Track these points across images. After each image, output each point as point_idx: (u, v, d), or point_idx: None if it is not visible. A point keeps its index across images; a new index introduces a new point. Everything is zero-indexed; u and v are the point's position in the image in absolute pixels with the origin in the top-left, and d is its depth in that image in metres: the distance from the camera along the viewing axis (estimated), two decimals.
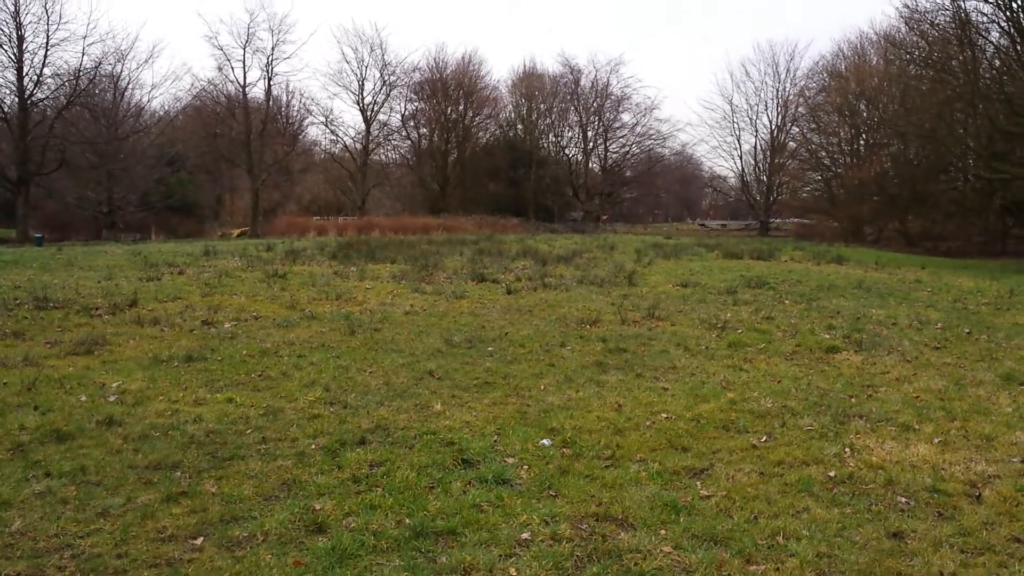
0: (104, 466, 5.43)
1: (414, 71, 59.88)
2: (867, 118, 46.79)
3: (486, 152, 63.45)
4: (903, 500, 5.04)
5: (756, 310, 12.33)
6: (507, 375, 8.26)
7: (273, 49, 52.26)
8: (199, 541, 4.37)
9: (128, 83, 48.90)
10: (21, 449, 5.71)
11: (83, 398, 7.05)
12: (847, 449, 5.99)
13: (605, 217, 63.02)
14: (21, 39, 41.13)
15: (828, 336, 10.38)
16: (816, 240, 37.06)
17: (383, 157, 64.49)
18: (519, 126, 65.04)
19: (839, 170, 48.57)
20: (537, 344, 9.77)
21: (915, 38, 34.58)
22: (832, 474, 5.47)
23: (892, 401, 7.36)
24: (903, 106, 37.76)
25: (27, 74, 41.72)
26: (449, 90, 61.17)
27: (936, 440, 6.22)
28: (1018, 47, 25.98)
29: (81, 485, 5.11)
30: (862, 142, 47.80)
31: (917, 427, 6.57)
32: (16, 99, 42.13)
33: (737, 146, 63.48)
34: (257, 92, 54.90)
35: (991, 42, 28.66)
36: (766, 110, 61.00)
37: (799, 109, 56.80)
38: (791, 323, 11.29)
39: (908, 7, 31.91)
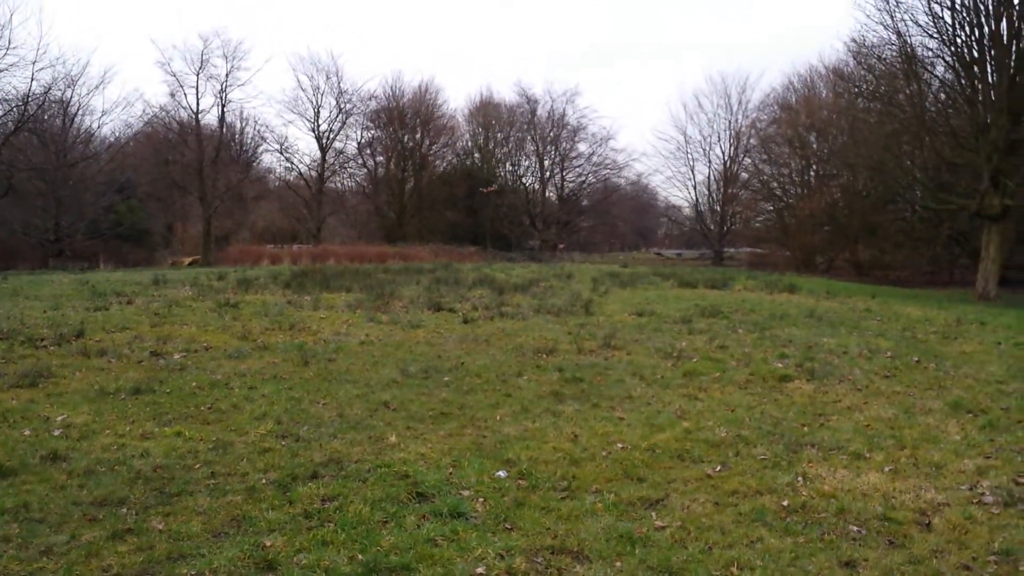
0: (48, 503, 5.26)
1: (370, 99, 59.94)
2: (817, 150, 47.85)
3: (443, 181, 63.54)
4: (855, 529, 5.09)
5: (711, 339, 12.44)
6: (463, 406, 8.21)
7: (227, 76, 51.86)
8: None
9: (78, 109, 48.11)
10: None
11: (27, 432, 6.85)
12: (800, 478, 6.04)
13: (562, 246, 63.33)
14: None
15: (781, 365, 10.50)
16: (769, 269, 37.68)
17: (339, 185, 64.27)
18: (476, 155, 65.33)
19: (791, 200, 49.50)
20: (493, 374, 9.74)
21: (863, 72, 35.45)
22: (785, 503, 5.50)
23: (844, 429, 7.46)
24: (852, 138, 38.61)
25: None
26: (406, 118, 61.26)
27: (887, 468, 6.31)
28: (962, 81, 26.76)
29: (24, 523, 4.95)
30: (813, 173, 48.83)
31: (868, 455, 6.66)
32: None
33: (691, 176, 64.04)
34: (210, 119, 54.36)
35: (936, 76, 29.50)
36: (719, 141, 62.06)
37: (751, 140, 57.98)
38: (745, 352, 11.41)
39: (856, 42, 32.76)
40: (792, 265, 42.11)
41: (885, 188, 38.15)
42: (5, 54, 40.92)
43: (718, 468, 6.27)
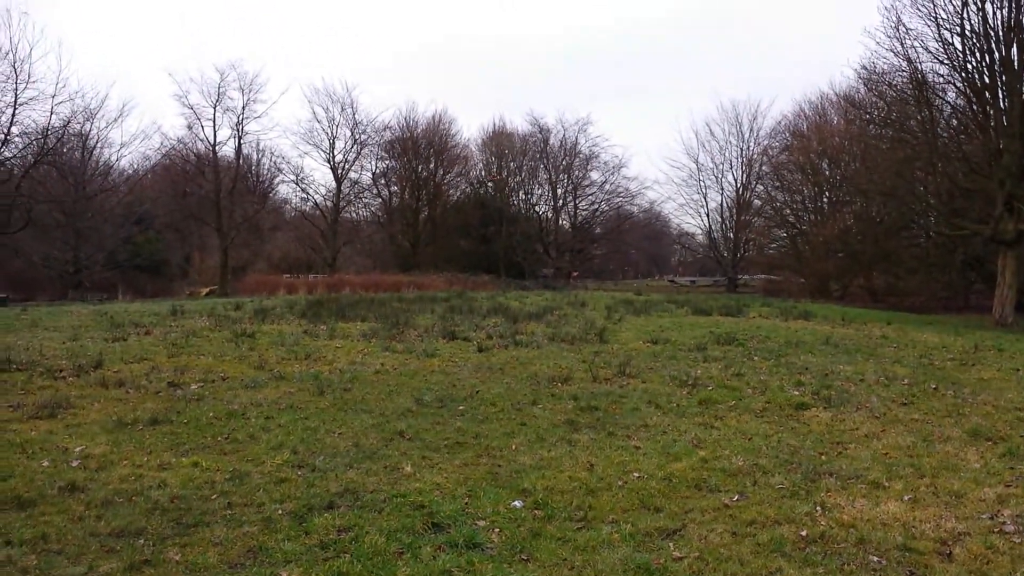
0: (66, 534, 5.29)
1: (385, 130, 60.42)
2: (830, 176, 47.81)
3: (457, 210, 63.86)
4: (875, 559, 5.05)
5: (726, 367, 12.40)
6: (478, 435, 8.21)
7: (244, 108, 52.46)
8: None
9: (97, 142, 48.82)
10: None
11: (45, 463, 6.89)
12: (818, 507, 6.00)
13: (575, 274, 63.37)
14: None
15: (797, 393, 10.45)
16: (783, 296, 37.54)
17: (354, 215, 64.66)
18: (489, 184, 65.64)
19: (804, 227, 49.40)
20: (508, 403, 9.73)
21: (874, 98, 35.50)
22: (804, 533, 5.46)
23: (862, 458, 7.40)
24: (864, 165, 38.60)
25: None
26: (420, 148, 61.71)
27: (906, 497, 6.25)
28: (974, 107, 26.78)
29: (42, 554, 4.98)
30: (826, 200, 48.75)
31: (887, 484, 6.61)
32: None
33: (704, 203, 64.01)
34: (227, 151, 54.94)
35: (948, 102, 29.52)
36: (731, 168, 62.11)
37: (763, 167, 58.01)
38: (761, 380, 11.36)
39: (867, 68, 32.85)
40: (806, 292, 41.92)
41: (899, 214, 38.05)
42: (25, 88, 41.69)
43: (736, 498, 6.23)
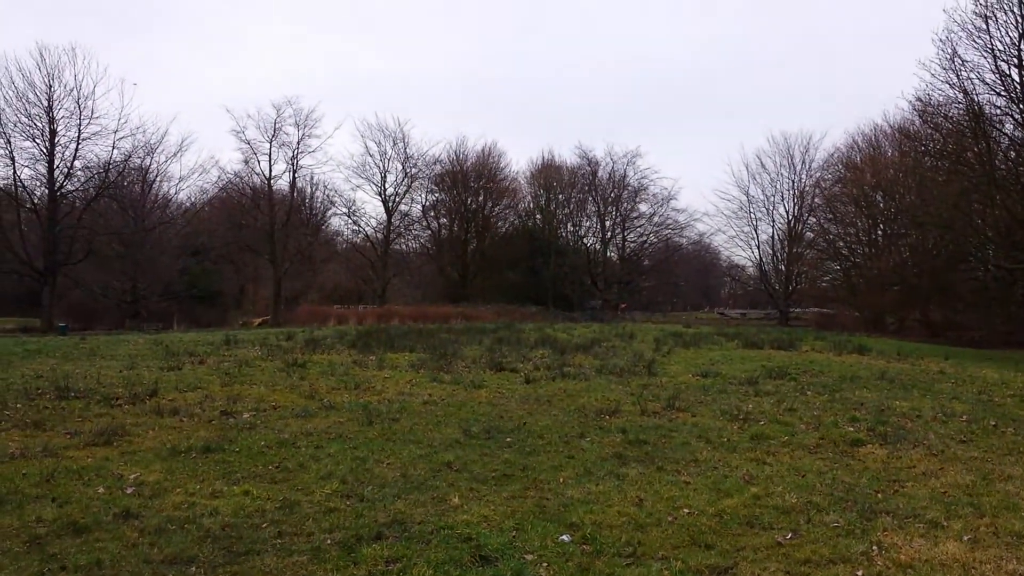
0: (120, 560, 5.37)
1: (435, 163, 61.27)
2: (884, 209, 47.05)
3: (505, 241, 64.26)
4: None
5: (778, 401, 12.19)
6: (526, 467, 8.17)
7: (299, 143, 53.71)
8: None
9: (156, 175, 50.36)
10: (38, 542, 5.68)
11: (101, 490, 7.02)
12: (875, 547, 5.83)
13: (624, 306, 63.07)
14: (53, 133, 42.64)
15: (852, 429, 10.22)
16: (837, 330, 36.80)
17: (404, 246, 65.47)
18: (538, 216, 65.95)
19: (858, 260, 48.61)
20: (556, 435, 9.68)
21: (929, 130, 35.03)
22: (860, 573, 5.32)
23: (919, 496, 7.19)
24: (920, 197, 37.98)
25: (58, 167, 43.17)
26: (469, 181, 62.40)
27: (965, 537, 6.05)
28: None
29: None
30: (880, 232, 47.95)
31: (946, 524, 6.41)
32: (46, 191, 43.44)
33: (754, 236, 63.28)
34: (282, 184, 56.20)
35: (1005, 134, 29.00)
36: (782, 201, 61.45)
37: (815, 200, 57.31)
38: (814, 415, 11.14)
39: (921, 100, 32.49)
40: (861, 325, 41.10)
41: (956, 247, 37.28)
42: (88, 123, 43.35)
43: (789, 535, 6.09)
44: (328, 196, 61.08)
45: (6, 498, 6.67)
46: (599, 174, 64.50)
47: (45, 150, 42.64)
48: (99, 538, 5.80)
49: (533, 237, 63.20)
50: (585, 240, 67.50)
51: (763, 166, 61.64)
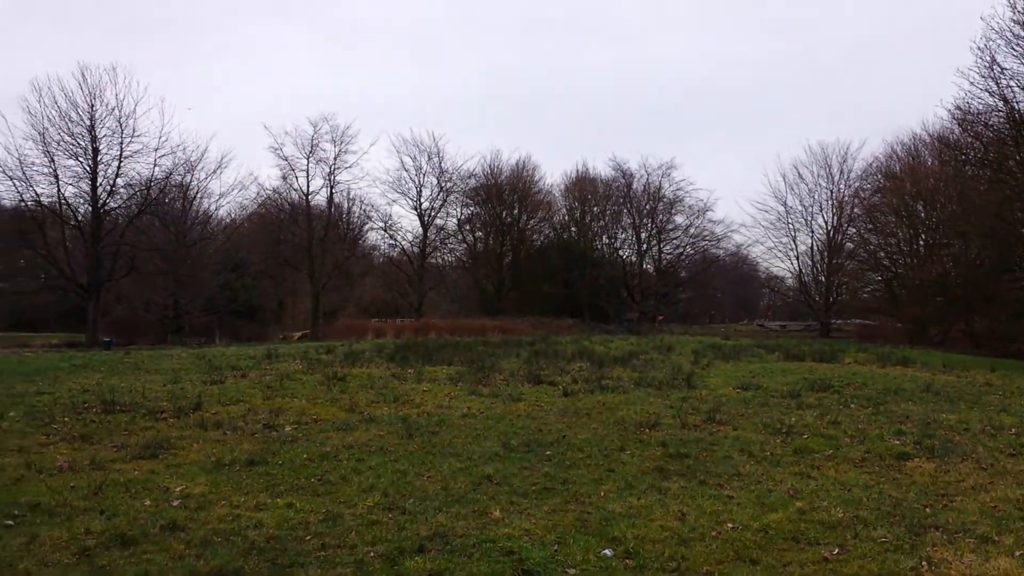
0: (167, 572, 5.45)
1: (470, 177, 61.56)
2: (925, 218, 46.27)
3: (540, 254, 64.33)
4: None
5: (821, 414, 12.02)
6: (566, 480, 8.14)
7: (335, 159, 54.33)
8: None
9: (197, 192, 51.20)
10: (87, 554, 5.78)
11: (147, 502, 7.13)
12: (924, 563, 5.72)
13: (661, 318, 62.69)
14: (96, 152, 43.55)
15: (898, 442, 10.04)
16: (879, 341, 36.21)
17: (439, 260, 65.76)
18: (573, 229, 65.93)
19: (899, 270, 47.83)
20: (596, 448, 9.63)
21: (969, 139, 34.46)
22: None
23: (969, 511, 7.04)
24: (961, 206, 37.30)
25: (101, 184, 44.04)
26: (504, 195, 62.60)
27: (1017, 553, 5.92)
28: None
29: None
30: (922, 242, 47.14)
31: (997, 539, 6.27)
32: (89, 208, 44.36)
33: (793, 247, 62.49)
34: (319, 199, 56.83)
35: None
36: (821, 211, 60.69)
37: (855, 210, 56.51)
38: (859, 428, 10.96)
39: (960, 108, 31.97)
40: (904, 337, 40.37)
41: (1000, 256, 36.52)
42: (130, 142, 44.22)
43: (836, 551, 6.00)
44: (364, 211, 61.69)
45: (55, 510, 6.81)
46: (634, 186, 64.35)
47: (88, 168, 43.59)
48: (146, 550, 5.89)
49: (568, 250, 63.15)
50: (620, 252, 67.32)
51: (800, 176, 61.01)
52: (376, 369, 17.42)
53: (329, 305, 56.03)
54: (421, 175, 59.50)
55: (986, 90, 28.41)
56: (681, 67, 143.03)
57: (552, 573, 5.48)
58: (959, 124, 34.58)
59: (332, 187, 55.52)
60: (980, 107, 29.91)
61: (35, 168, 42.70)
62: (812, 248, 61.68)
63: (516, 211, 63.53)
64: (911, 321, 42.75)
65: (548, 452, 9.41)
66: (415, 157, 59.94)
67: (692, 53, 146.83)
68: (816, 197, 60.73)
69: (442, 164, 59.78)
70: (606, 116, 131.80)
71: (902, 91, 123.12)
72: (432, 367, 17.79)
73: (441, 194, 59.96)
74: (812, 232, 61.21)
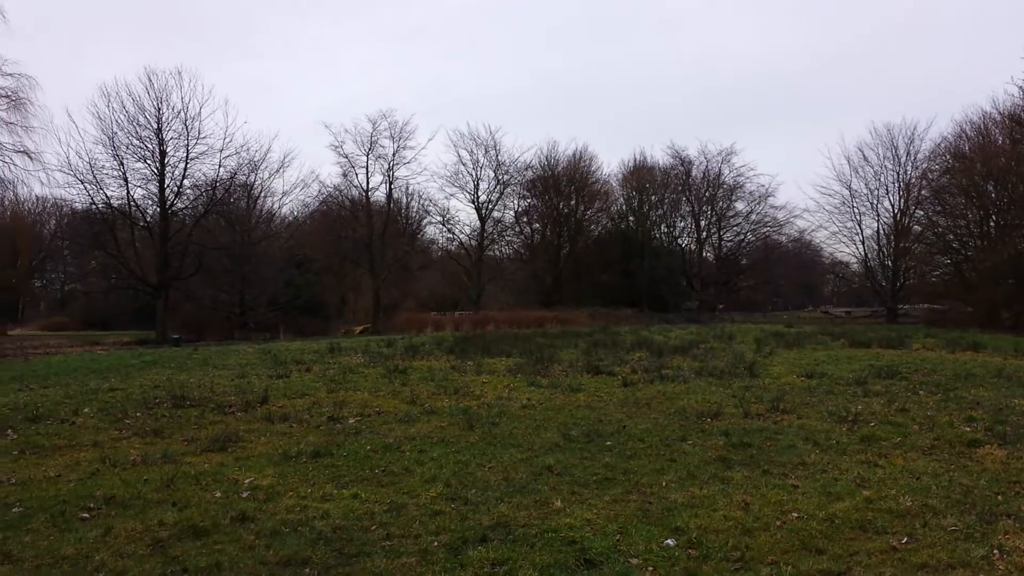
0: (238, 562, 5.59)
1: (527, 169, 61.45)
2: (996, 199, 44.66)
3: (598, 245, 63.98)
4: None
5: (889, 402, 11.76)
6: (627, 470, 8.12)
7: (394, 155, 54.76)
8: None
9: (260, 191, 52.18)
10: (160, 545, 5.97)
11: (218, 494, 7.33)
12: (996, 551, 5.57)
13: (721, 306, 61.90)
14: (163, 154, 44.65)
15: (969, 429, 9.77)
16: (949, 326, 35.21)
17: (497, 252, 65.88)
18: (631, 218, 65.42)
19: (969, 253, 46.32)
20: (656, 438, 9.59)
21: None
22: None
23: None
24: None
25: (168, 186, 45.14)
26: (561, 186, 62.39)
27: None
28: None
29: None
30: (992, 224, 45.55)
31: None
32: (158, 209, 45.55)
33: (858, 231, 60.78)
34: (379, 195, 57.42)
35: None
36: (887, 194, 58.95)
37: (922, 192, 54.81)
38: (927, 415, 10.70)
39: None
40: (974, 321, 39.13)
41: None
42: (196, 143, 45.28)
43: (904, 540, 5.88)
44: (423, 205, 62.12)
45: (129, 503, 7.05)
46: (693, 173, 63.50)
47: (156, 170, 44.72)
48: (217, 540, 6.06)
49: (626, 239, 62.70)
50: (680, 241, 66.59)
51: (865, 159, 59.35)
52: (436, 361, 17.59)
53: (389, 299, 56.65)
54: (478, 168, 59.69)
55: None
56: (739, 52, 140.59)
57: (615, 563, 5.48)
58: None
59: (391, 183, 56.10)
60: None
61: (105, 172, 43.99)
62: (878, 232, 60.01)
63: (573, 202, 63.27)
64: (982, 305, 41.40)
65: (608, 442, 9.41)
66: (472, 151, 60.14)
67: (750, 37, 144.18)
68: (882, 179, 59.09)
69: (499, 157, 59.85)
70: (664, 105, 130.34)
71: (971, 69, 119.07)
72: (491, 359, 17.90)
73: (498, 187, 60.05)
74: (878, 215, 59.56)
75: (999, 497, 6.94)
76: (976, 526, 6.15)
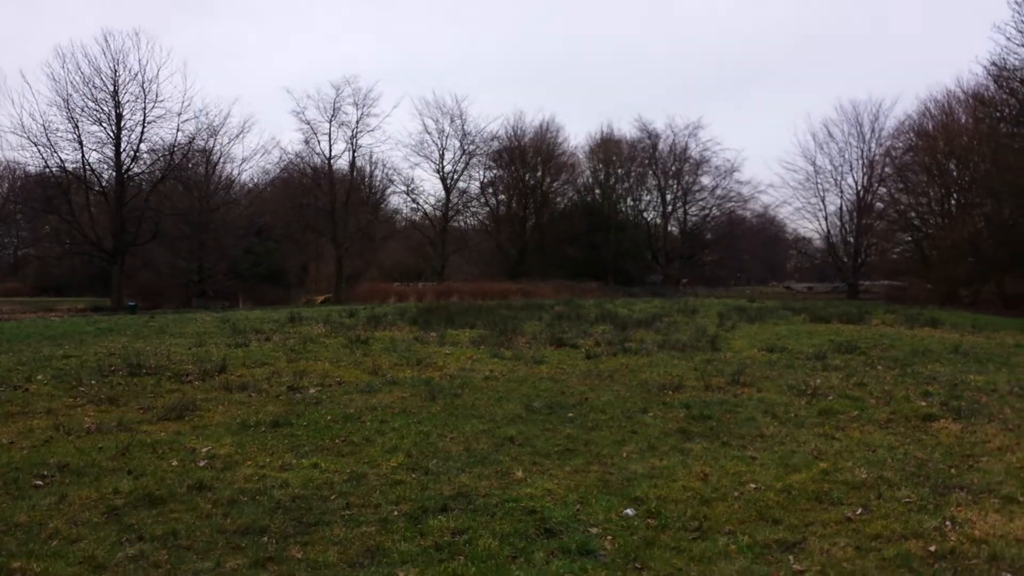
0: (194, 530, 5.52)
1: (493, 140, 61.23)
2: (958, 177, 45.40)
3: (564, 217, 64.07)
4: None
5: (847, 376, 11.93)
6: (588, 442, 8.15)
7: (358, 122, 54.16)
8: None
9: (219, 157, 51.37)
10: (115, 512, 5.87)
11: (174, 463, 7.22)
12: (948, 522, 5.68)
13: (685, 281, 62.41)
14: (119, 117, 43.72)
15: (924, 403, 9.94)
16: (908, 303, 35.86)
17: (462, 224, 65.75)
18: (597, 191, 65.52)
19: (930, 231, 47.11)
20: (618, 410, 9.63)
21: (1005, 96, 33.69)
22: (933, 548, 5.18)
23: (995, 472, 6.97)
24: (995, 165, 36.57)
25: (124, 150, 44.28)
26: (527, 157, 62.25)
27: None
28: None
29: (172, 549, 5.20)
30: (954, 202, 46.33)
31: (1021, 499, 6.20)
32: (113, 173, 44.68)
33: (822, 207, 61.54)
34: (342, 163, 56.86)
35: None
36: (851, 171, 59.68)
37: (886, 169, 55.60)
38: (884, 390, 10.88)
39: (996, 65, 31.26)
40: (934, 298, 39.90)
41: None
42: (153, 107, 44.33)
43: (859, 511, 5.97)
44: (387, 174, 61.72)
45: (84, 471, 6.92)
46: (659, 147, 63.79)
47: (112, 133, 43.80)
48: (174, 509, 5.97)
49: (592, 212, 62.84)
50: (645, 214, 66.96)
51: (831, 135, 59.95)
52: (399, 332, 17.51)
53: (352, 269, 56.26)
54: (444, 138, 59.30)
55: (1022, 45, 27.71)
56: (709, 25, 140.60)
57: (574, 532, 5.49)
58: (994, 80, 33.88)
59: (354, 151, 55.53)
60: (1016, 63, 29.28)
61: (59, 134, 43.03)
62: (841, 208, 60.82)
63: (539, 173, 63.20)
64: (941, 282, 42.23)
65: (570, 414, 9.43)
66: (438, 120, 59.71)
67: (723, 12, 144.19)
68: (847, 156, 59.80)
69: (465, 127, 59.52)
70: (632, 78, 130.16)
71: (937, 47, 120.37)
72: (454, 330, 17.86)
73: (464, 157, 59.76)
74: (841, 192, 60.32)
75: (952, 470, 7.07)
76: (929, 498, 6.25)
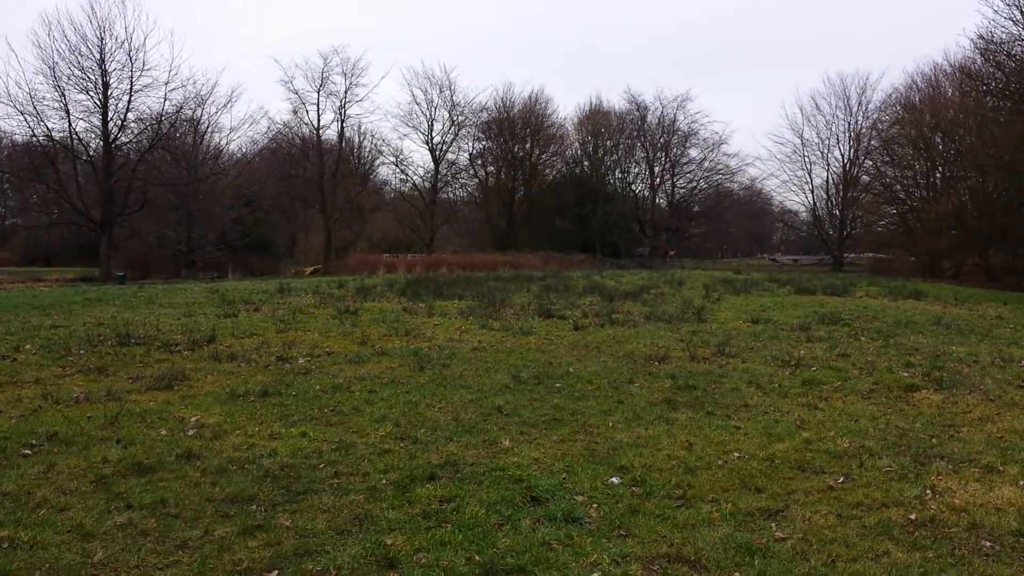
0: (183, 499, 5.56)
1: (482, 111, 60.95)
2: (943, 151, 45.57)
3: (552, 189, 63.97)
4: (988, 544, 4.85)
5: (831, 347, 12.05)
6: (575, 412, 8.23)
7: (346, 92, 53.80)
8: (274, 574, 4.45)
9: (207, 127, 50.85)
10: (104, 481, 5.90)
11: (163, 432, 7.26)
12: (928, 491, 5.79)
13: (672, 253, 62.56)
14: (106, 86, 43.17)
15: (907, 374, 10.08)
16: (892, 275, 36.11)
17: (451, 195, 65.60)
18: (585, 163, 65.40)
19: (915, 204, 47.34)
20: (605, 381, 9.72)
21: (991, 69, 33.72)
22: (913, 517, 5.29)
23: (975, 441, 7.09)
24: (980, 138, 36.69)
25: (111, 119, 43.73)
26: (516, 129, 61.99)
27: (1021, 482, 5.97)
28: None
29: (161, 517, 5.24)
30: (939, 175, 46.54)
31: (1001, 468, 6.32)
32: (101, 143, 44.19)
33: (808, 180, 61.65)
34: (330, 134, 56.51)
35: None
36: (838, 143, 59.82)
37: (872, 142, 55.73)
38: (867, 360, 11.00)
39: (983, 38, 31.25)
40: (917, 270, 40.21)
41: (1018, 190, 36.06)
42: (140, 76, 43.82)
43: (841, 479, 6.07)
44: (376, 145, 61.42)
45: (73, 440, 6.94)
46: (648, 119, 63.61)
47: (99, 103, 43.27)
48: (163, 478, 6.01)
49: (580, 184, 62.74)
50: (633, 187, 66.92)
51: (818, 108, 60.15)
52: (387, 303, 17.52)
53: (341, 240, 56.15)
54: (432, 109, 58.95)
55: (1010, 18, 27.75)
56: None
57: (560, 500, 5.57)
58: (981, 54, 33.88)
59: (343, 121, 55.18)
60: (1003, 36, 29.27)
61: (46, 103, 42.53)
62: (828, 181, 60.98)
63: (528, 145, 62.99)
64: (925, 255, 42.53)
65: (558, 384, 9.50)
66: (426, 90, 59.36)
67: None
68: (833, 129, 59.92)
69: (454, 97, 59.18)
70: (621, 50, 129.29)
71: (925, 20, 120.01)
72: (443, 301, 17.88)
73: (453, 128, 59.49)
74: (828, 165, 60.44)
75: (933, 440, 7.19)
76: (910, 467, 6.36)
